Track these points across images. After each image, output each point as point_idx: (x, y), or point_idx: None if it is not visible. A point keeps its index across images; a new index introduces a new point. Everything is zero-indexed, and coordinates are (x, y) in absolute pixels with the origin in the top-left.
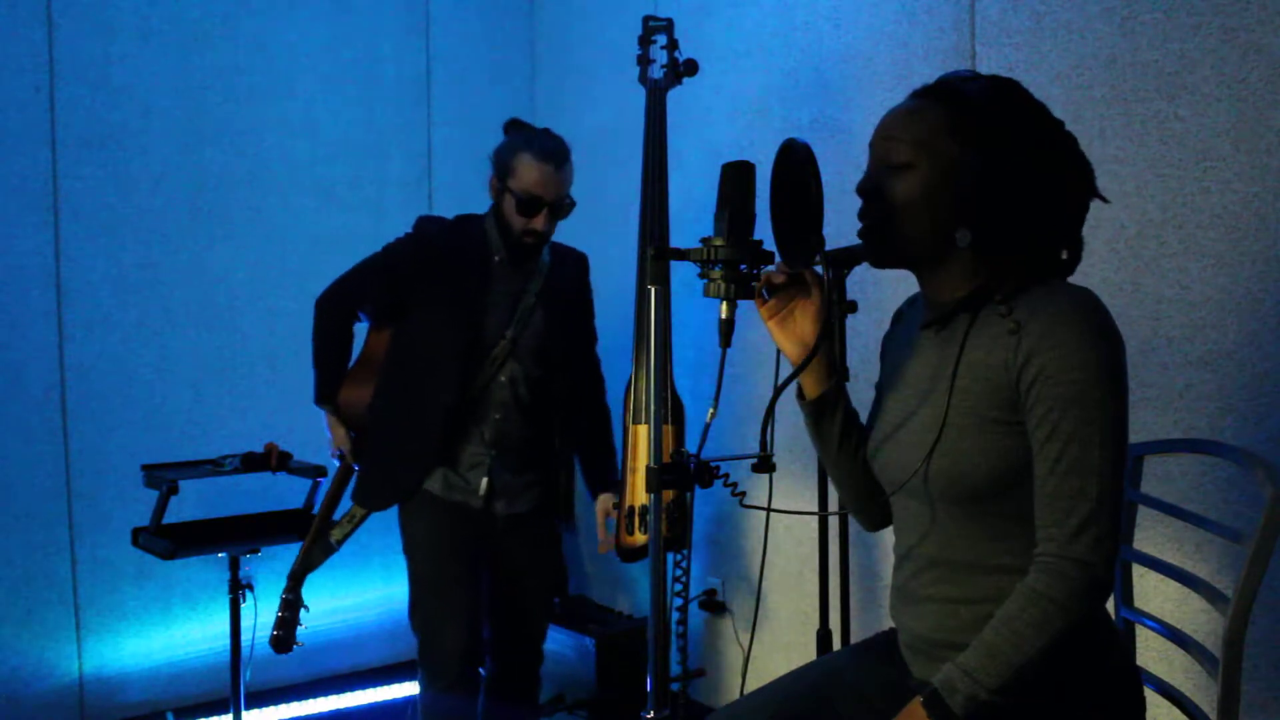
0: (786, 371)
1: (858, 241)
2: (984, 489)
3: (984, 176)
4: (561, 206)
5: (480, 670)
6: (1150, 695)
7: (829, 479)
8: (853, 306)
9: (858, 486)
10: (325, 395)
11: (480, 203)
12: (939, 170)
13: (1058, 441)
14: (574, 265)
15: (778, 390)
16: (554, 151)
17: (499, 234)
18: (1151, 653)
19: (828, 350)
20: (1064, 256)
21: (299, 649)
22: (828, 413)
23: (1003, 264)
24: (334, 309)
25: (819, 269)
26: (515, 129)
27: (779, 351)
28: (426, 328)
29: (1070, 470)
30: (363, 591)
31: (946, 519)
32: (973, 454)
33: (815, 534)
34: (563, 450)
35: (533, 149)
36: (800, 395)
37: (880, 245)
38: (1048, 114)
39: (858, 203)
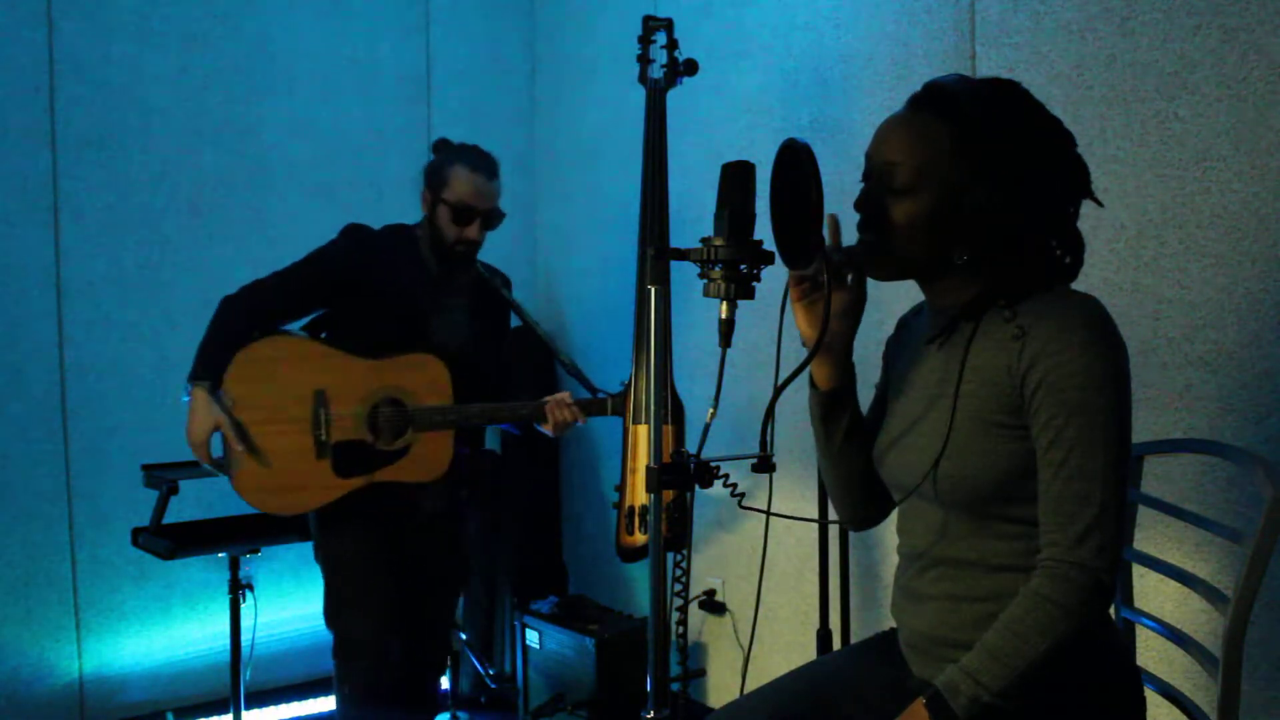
0: (786, 372)
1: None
2: (989, 492)
3: (987, 201)
4: (493, 216)
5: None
6: (1150, 695)
7: (820, 475)
8: None
9: (849, 485)
10: (207, 372)
11: None
12: (942, 196)
13: (1061, 448)
14: (501, 281)
15: (778, 390)
16: (485, 163)
17: (430, 246)
18: (1151, 653)
19: (846, 345)
20: (1067, 260)
21: (298, 649)
22: (838, 407)
23: (1004, 269)
24: (241, 315)
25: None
26: (444, 147)
27: (779, 352)
28: (370, 333)
29: (1074, 476)
30: None
31: (952, 520)
32: (978, 458)
33: (815, 534)
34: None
35: (465, 161)
36: (813, 385)
37: (878, 265)
38: (1046, 115)
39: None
